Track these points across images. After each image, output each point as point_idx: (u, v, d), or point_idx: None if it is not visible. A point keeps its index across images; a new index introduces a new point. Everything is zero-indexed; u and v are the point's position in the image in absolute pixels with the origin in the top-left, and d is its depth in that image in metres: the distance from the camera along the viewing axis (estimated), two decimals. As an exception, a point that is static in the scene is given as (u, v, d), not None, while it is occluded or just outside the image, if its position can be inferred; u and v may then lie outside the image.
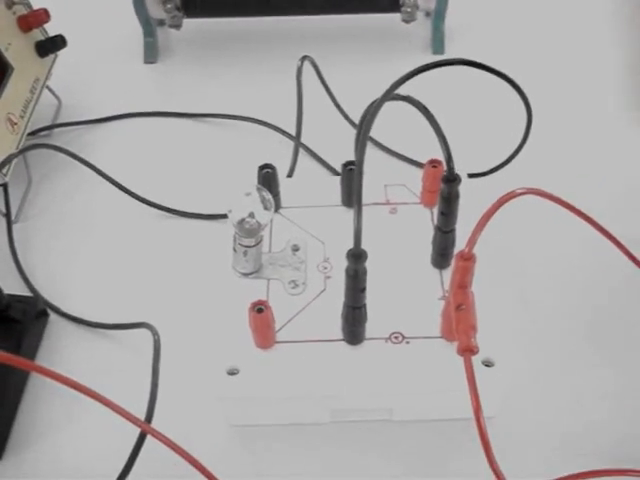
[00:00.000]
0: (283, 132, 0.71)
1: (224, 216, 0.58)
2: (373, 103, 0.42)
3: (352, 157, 0.53)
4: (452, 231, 0.50)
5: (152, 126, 0.75)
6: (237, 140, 0.73)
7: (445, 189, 0.47)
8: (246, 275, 0.52)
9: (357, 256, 0.42)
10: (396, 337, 0.48)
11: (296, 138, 0.67)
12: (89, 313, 0.57)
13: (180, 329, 0.55)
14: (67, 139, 0.73)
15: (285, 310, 0.50)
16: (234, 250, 0.52)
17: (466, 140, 0.58)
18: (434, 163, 0.54)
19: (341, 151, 0.57)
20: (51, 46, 0.72)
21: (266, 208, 0.49)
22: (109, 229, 0.65)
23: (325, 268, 0.53)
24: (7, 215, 0.65)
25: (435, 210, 0.54)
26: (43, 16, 0.70)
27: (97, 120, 0.75)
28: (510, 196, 0.39)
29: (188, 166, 0.70)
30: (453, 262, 0.42)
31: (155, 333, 0.51)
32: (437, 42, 0.80)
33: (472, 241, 0.40)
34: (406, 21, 0.78)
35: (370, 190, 0.52)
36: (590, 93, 0.75)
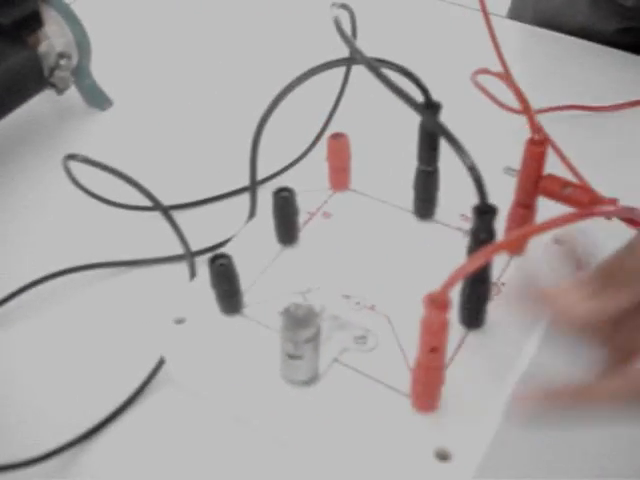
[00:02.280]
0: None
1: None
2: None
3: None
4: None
5: None
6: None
7: (477, 224, 0.38)
8: (307, 383, 0.39)
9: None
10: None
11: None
12: None
13: None
14: None
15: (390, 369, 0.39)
16: (285, 355, 0.38)
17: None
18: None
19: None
20: None
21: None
22: None
23: (358, 303, 0.42)
24: None
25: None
26: None
27: None
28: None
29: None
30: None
31: None
32: (96, 97, 0.68)
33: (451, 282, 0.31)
34: (61, 90, 0.65)
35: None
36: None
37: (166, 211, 0.53)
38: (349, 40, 0.35)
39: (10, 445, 0.43)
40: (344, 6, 0.38)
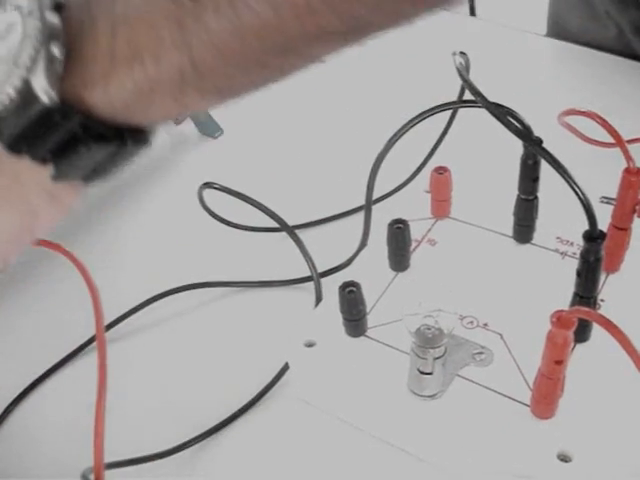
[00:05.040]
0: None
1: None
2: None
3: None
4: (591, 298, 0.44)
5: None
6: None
7: (587, 248, 0.41)
8: (434, 397, 0.43)
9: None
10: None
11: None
12: None
13: None
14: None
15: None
16: (416, 371, 0.42)
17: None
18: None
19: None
20: None
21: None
22: None
23: (472, 322, 0.47)
24: None
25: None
26: None
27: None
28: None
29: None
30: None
31: None
32: (208, 126, 0.74)
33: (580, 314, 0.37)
34: (180, 121, 0.72)
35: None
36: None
37: (292, 231, 0.57)
38: (472, 85, 0.40)
39: (142, 440, 0.47)
40: (462, 54, 0.43)
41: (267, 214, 0.58)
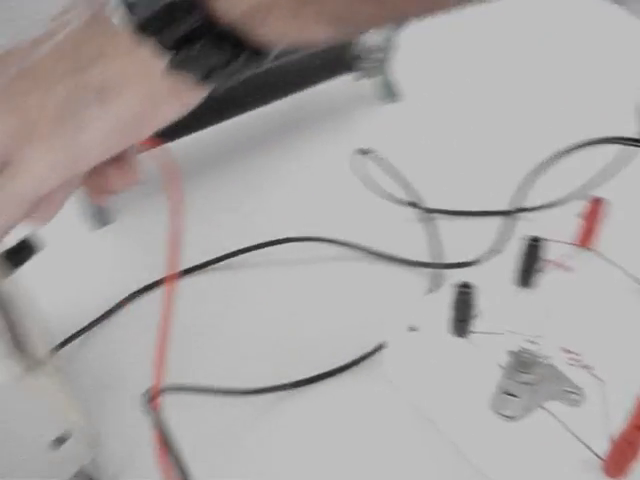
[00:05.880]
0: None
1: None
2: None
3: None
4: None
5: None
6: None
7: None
8: (514, 419, 0.43)
9: None
10: None
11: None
12: None
13: None
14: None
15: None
16: (502, 389, 0.43)
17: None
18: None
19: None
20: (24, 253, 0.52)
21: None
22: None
23: (576, 360, 0.46)
24: None
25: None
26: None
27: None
28: None
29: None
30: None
31: None
32: (386, 91, 0.75)
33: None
34: (367, 76, 0.72)
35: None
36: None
37: (429, 215, 0.58)
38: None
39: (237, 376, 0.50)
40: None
41: (408, 193, 0.58)
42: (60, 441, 0.41)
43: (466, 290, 0.45)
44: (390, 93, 0.74)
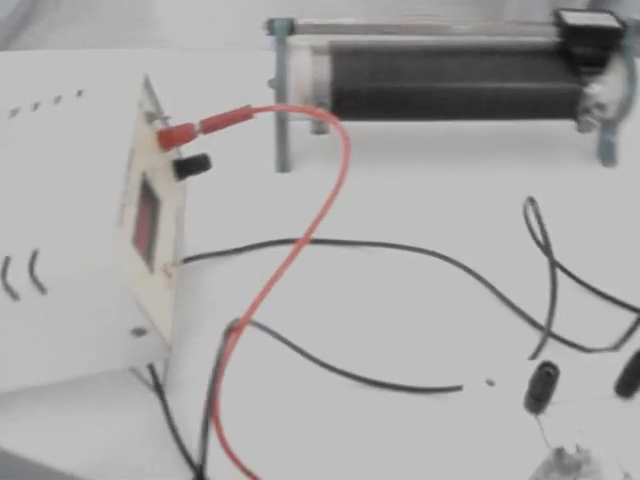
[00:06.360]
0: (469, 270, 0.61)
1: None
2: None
3: None
4: None
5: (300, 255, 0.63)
6: (413, 275, 0.62)
7: None
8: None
9: None
10: None
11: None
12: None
13: None
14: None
15: None
16: (533, 480, 0.41)
17: None
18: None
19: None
20: (194, 167, 0.59)
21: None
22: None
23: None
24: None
25: None
26: (191, 131, 0.57)
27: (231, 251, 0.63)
28: None
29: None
30: None
31: None
32: (607, 153, 0.71)
33: None
34: (582, 130, 0.69)
35: None
36: None
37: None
38: None
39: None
40: None
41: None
42: (140, 332, 0.47)
43: (549, 371, 0.43)
44: (610, 156, 0.70)
